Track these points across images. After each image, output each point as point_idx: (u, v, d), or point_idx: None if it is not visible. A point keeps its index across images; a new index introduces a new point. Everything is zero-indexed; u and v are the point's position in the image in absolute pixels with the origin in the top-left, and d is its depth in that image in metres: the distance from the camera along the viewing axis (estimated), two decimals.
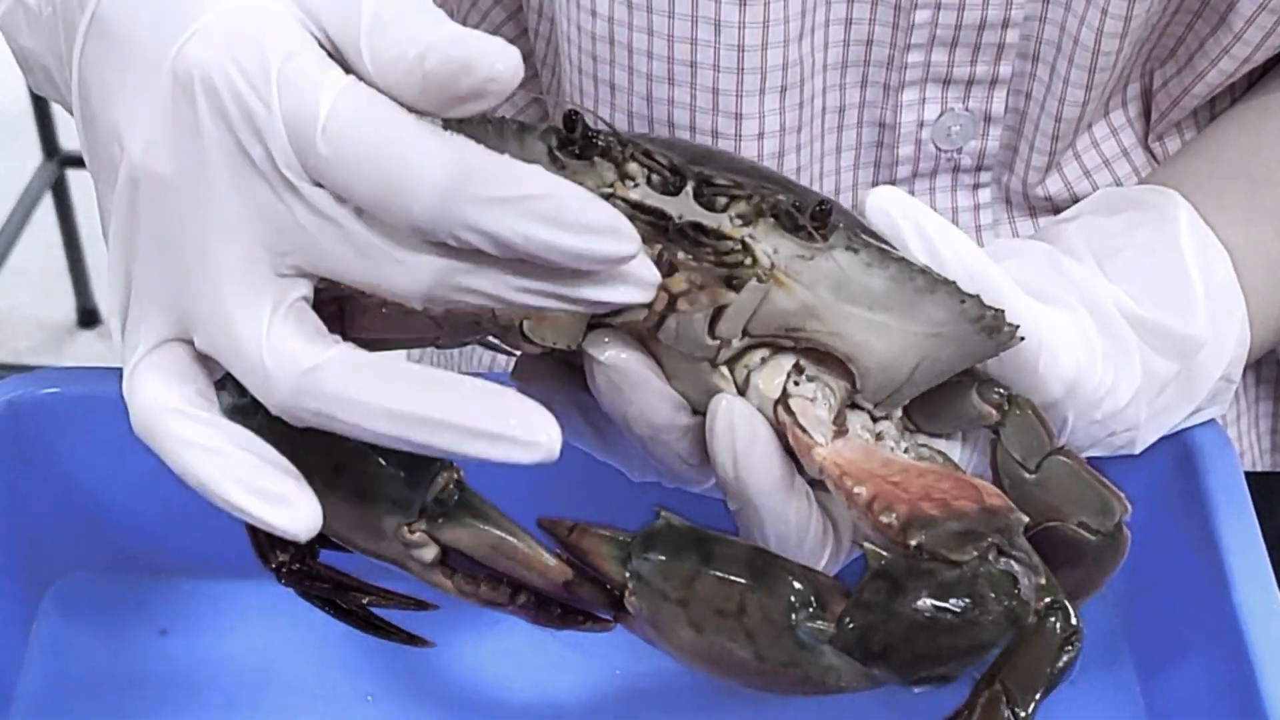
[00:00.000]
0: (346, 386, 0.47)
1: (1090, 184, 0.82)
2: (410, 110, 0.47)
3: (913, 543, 0.52)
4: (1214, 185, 0.74)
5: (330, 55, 0.49)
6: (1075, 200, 0.80)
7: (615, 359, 0.56)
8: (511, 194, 0.47)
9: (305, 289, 0.49)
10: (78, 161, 2.55)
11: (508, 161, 0.47)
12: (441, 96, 0.47)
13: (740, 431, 0.55)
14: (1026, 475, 0.61)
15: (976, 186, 0.81)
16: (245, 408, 0.50)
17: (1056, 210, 0.82)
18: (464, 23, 0.82)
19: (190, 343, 0.50)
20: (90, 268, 2.61)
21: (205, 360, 0.51)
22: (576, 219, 0.47)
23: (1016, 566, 0.52)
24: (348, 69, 0.49)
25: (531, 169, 0.47)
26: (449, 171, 0.46)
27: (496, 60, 0.47)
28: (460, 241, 0.47)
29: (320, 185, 0.48)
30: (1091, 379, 0.64)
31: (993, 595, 0.51)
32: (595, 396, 0.57)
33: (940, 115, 0.78)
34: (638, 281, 0.49)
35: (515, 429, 0.47)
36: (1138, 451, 0.68)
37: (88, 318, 2.65)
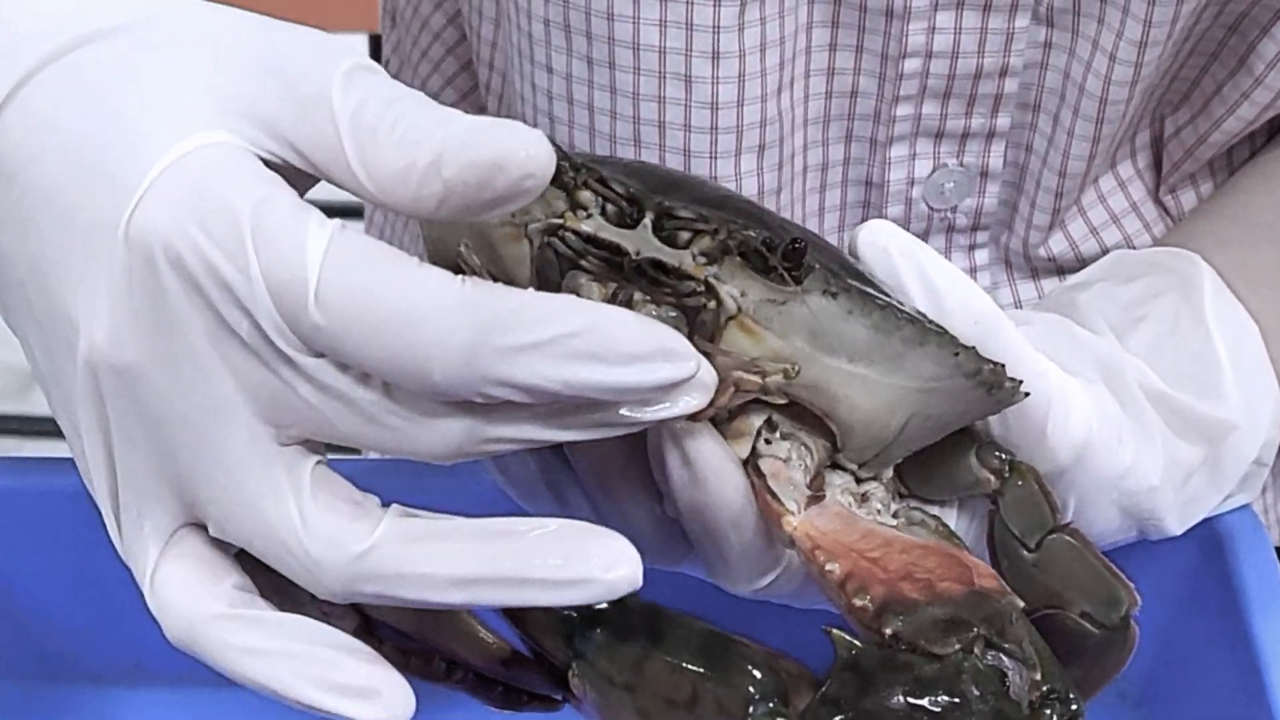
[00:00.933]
0: (405, 563, 0.41)
1: (1097, 242, 0.73)
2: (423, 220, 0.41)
3: (888, 630, 0.44)
4: (1238, 249, 0.66)
5: (309, 174, 0.41)
6: (1081, 261, 0.71)
7: None
8: (543, 337, 0.39)
9: (319, 448, 0.43)
10: None
11: (532, 297, 0.40)
12: (470, 206, 0.40)
13: (671, 452, 0.48)
14: (1025, 553, 0.52)
15: (973, 247, 0.72)
16: None
17: (1060, 272, 0.73)
18: (415, 73, 0.77)
19: (203, 527, 0.43)
20: None
21: (222, 543, 0.44)
22: (622, 350, 0.40)
23: (1006, 661, 0.45)
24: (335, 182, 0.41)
25: (562, 300, 0.40)
26: (468, 325, 0.39)
27: (528, 151, 0.40)
28: (489, 399, 0.40)
29: (320, 355, 0.40)
30: (1107, 449, 0.55)
31: (977, 694, 0.43)
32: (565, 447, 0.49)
33: (932, 172, 0.69)
34: (697, 388, 0.43)
35: (596, 569, 0.42)
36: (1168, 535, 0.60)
37: None
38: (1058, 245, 0.72)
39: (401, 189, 0.41)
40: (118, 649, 0.69)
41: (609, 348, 0.40)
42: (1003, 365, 0.50)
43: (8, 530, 0.67)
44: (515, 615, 0.49)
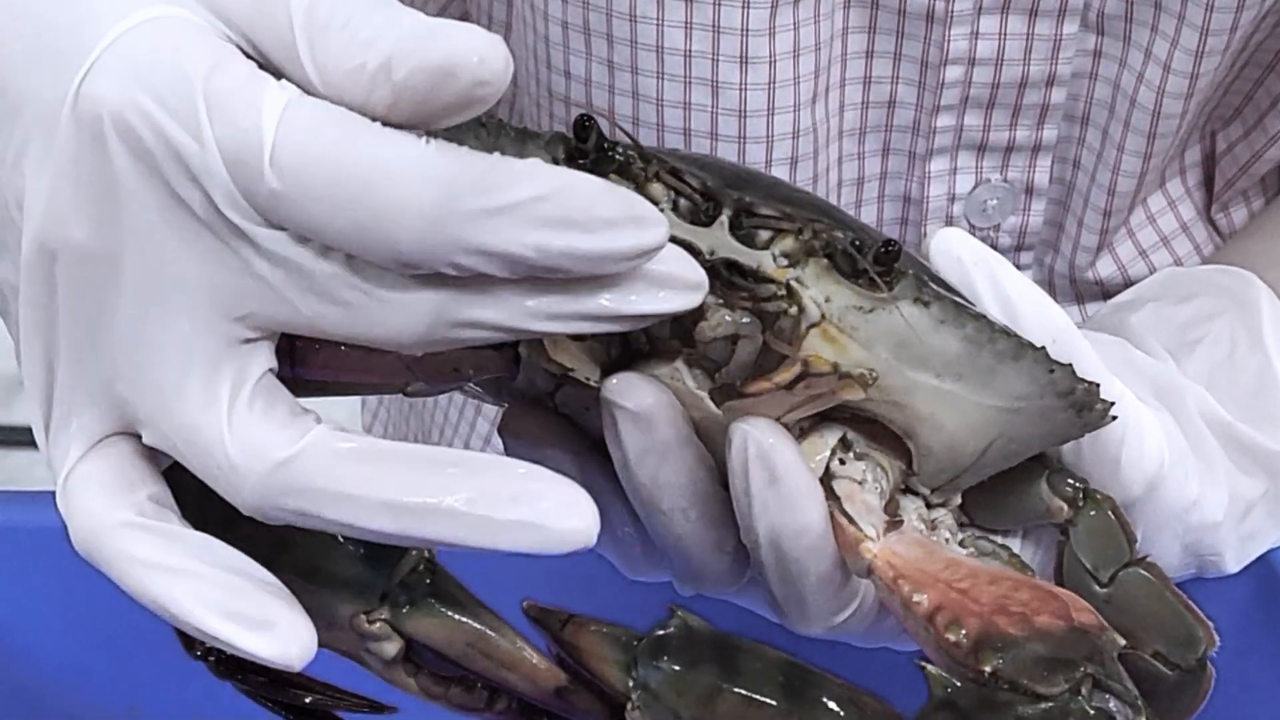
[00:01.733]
0: (331, 477, 0.38)
1: (1146, 265, 0.70)
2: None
3: (987, 668, 0.41)
4: None
5: (261, 68, 0.39)
6: (1129, 285, 0.68)
7: (649, 409, 0.44)
8: (512, 200, 0.36)
9: (267, 356, 0.39)
10: None
11: (498, 160, 0.37)
12: (420, 111, 0.37)
13: (756, 466, 0.44)
14: (1097, 588, 0.49)
15: (1016, 269, 0.70)
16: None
17: (1107, 297, 0.70)
18: None
19: (135, 436, 0.40)
20: None
21: (155, 456, 0.40)
22: (593, 214, 0.37)
23: (1113, 704, 0.41)
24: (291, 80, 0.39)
25: (528, 164, 0.37)
26: (435, 187, 0.36)
27: (483, 56, 0.37)
28: (460, 269, 0.37)
29: (277, 227, 0.37)
30: (1176, 482, 0.52)
31: None
32: (615, 456, 0.45)
33: (974, 187, 0.66)
34: (680, 283, 0.39)
35: (546, 514, 0.38)
36: (1224, 573, 0.58)
37: None
38: (1105, 268, 0.70)
39: (352, 91, 0.38)
40: (111, 691, 0.65)
41: (581, 211, 0.38)
42: (1097, 385, 0.46)
43: None
44: (569, 643, 0.45)
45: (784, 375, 0.43)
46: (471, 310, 0.38)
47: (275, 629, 0.39)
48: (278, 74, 0.39)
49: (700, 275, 0.40)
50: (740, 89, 0.62)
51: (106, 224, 0.39)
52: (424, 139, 0.37)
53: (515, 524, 0.38)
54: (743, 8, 0.60)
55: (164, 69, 0.38)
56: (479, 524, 0.38)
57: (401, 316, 0.38)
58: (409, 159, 0.37)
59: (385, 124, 0.38)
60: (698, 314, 0.44)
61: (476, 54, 0.37)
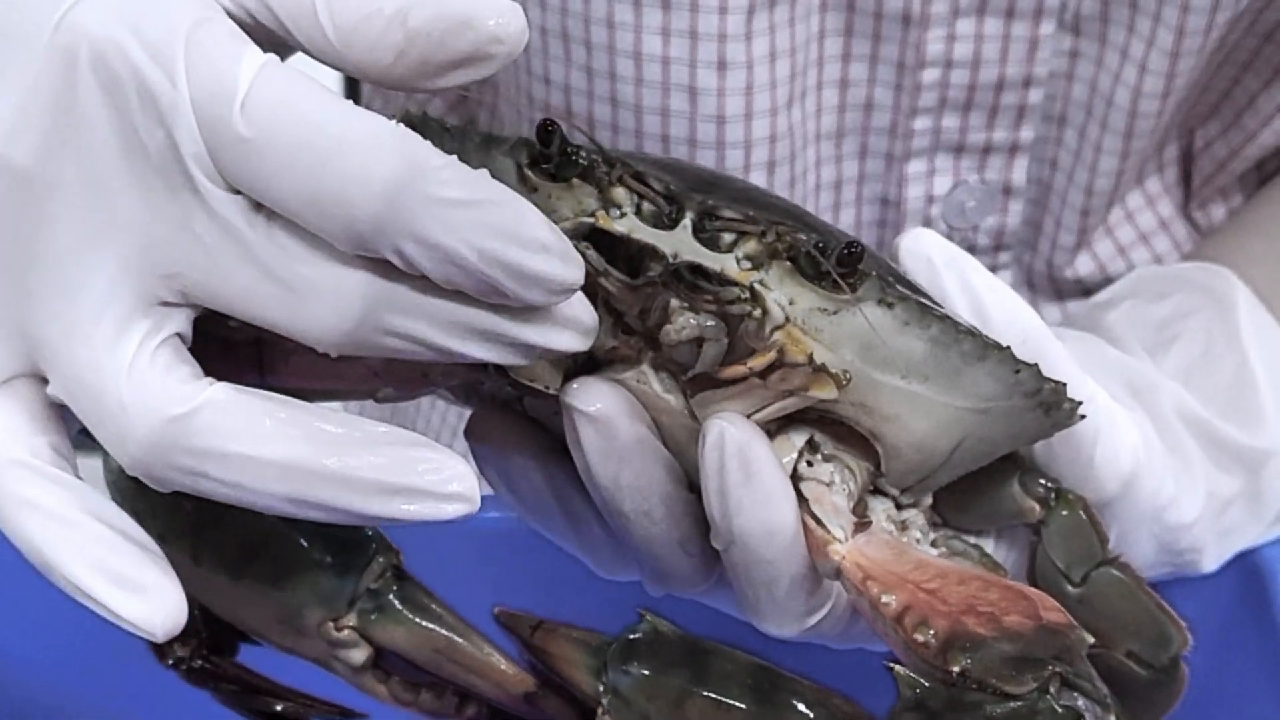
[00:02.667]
0: (224, 436, 0.37)
1: (1125, 263, 0.70)
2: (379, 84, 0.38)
3: (955, 668, 0.40)
4: (1273, 264, 0.63)
5: (270, 29, 0.39)
6: (1109, 283, 0.68)
7: (607, 412, 0.44)
8: (469, 197, 0.36)
9: (183, 323, 0.38)
10: None
11: (456, 161, 0.37)
12: (428, 62, 0.38)
13: (733, 462, 0.44)
14: (1070, 588, 0.49)
15: (995, 268, 0.69)
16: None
17: (1086, 294, 0.70)
18: None
19: (45, 382, 0.39)
20: None
21: (63, 411, 0.40)
22: (535, 235, 0.37)
23: (1082, 702, 0.41)
24: (289, 46, 0.38)
25: (480, 173, 0.37)
26: (401, 164, 0.36)
27: (502, 15, 0.37)
28: (403, 258, 0.37)
29: (227, 190, 0.37)
30: (1151, 481, 0.52)
31: None
32: (577, 460, 0.45)
33: (953, 188, 0.66)
34: (578, 326, 0.40)
35: (431, 481, 0.38)
36: (1202, 573, 0.57)
37: None
38: (1084, 266, 0.69)
39: (362, 36, 0.38)
40: (98, 697, 0.64)
41: (525, 229, 0.37)
42: (1064, 384, 0.46)
43: None
44: (538, 648, 0.44)
45: (760, 360, 0.43)
46: (399, 319, 0.38)
47: (145, 594, 0.38)
48: (289, 24, 0.39)
49: (594, 319, 0.41)
50: (718, 94, 0.62)
51: (55, 150, 0.38)
52: (392, 121, 0.37)
53: (401, 490, 0.38)
54: (719, 13, 0.60)
55: (152, 14, 0.37)
56: (370, 490, 0.38)
57: (331, 308, 0.38)
58: (381, 133, 0.37)
59: (387, 78, 0.38)
60: (663, 317, 0.44)
61: (496, 12, 0.37)
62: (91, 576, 0.38)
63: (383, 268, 0.37)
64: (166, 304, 0.38)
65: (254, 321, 0.38)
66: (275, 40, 0.39)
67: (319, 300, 0.37)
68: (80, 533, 0.38)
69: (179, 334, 0.38)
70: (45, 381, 0.39)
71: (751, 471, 0.43)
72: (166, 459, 0.37)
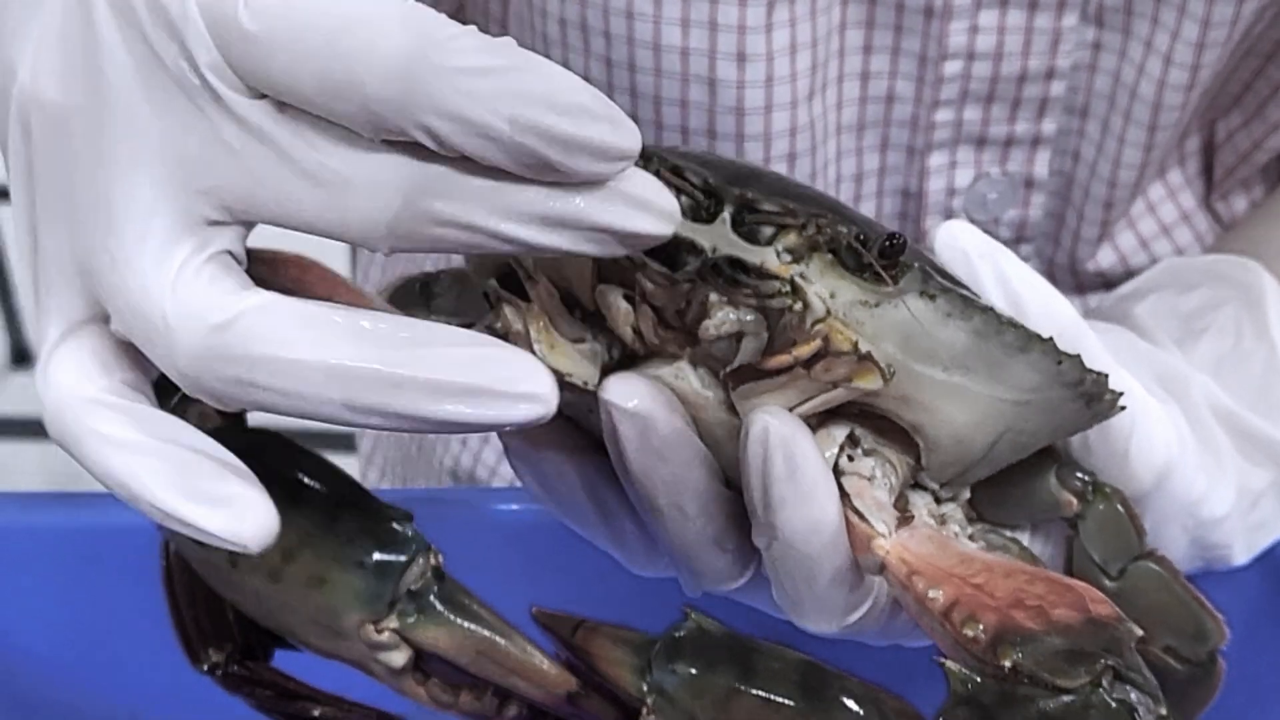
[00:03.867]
0: (271, 341, 0.36)
1: (1148, 255, 0.70)
2: None
3: (1006, 663, 0.40)
4: None
5: None
6: (1130, 275, 0.68)
7: (645, 408, 0.43)
8: (490, 64, 0.35)
9: (233, 240, 0.38)
10: (4, 194, 2.43)
11: (472, 29, 0.35)
12: None
13: (777, 456, 0.43)
14: (1107, 582, 0.48)
15: None
16: None
17: (1108, 287, 0.70)
18: None
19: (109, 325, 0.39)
20: (21, 303, 2.41)
21: (136, 350, 0.39)
22: (570, 98, 0.35)
23: (1134, 695, 0.40)
24: None
25: (503, 40, 0.35)
26: (412, 37, 0.35)
27: None
28: (432, 134, 0.35)
29: (250, 96, 0.36)
30: (1185, 474, 0.52)
31: None
32: (613, 455, 0.44)
33: (974, 181, 0.66)
34: (653, 206, 0.38)
35: (498, 380, 0.36)
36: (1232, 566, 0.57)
37: (20, 356, 2.44)
38: (1106, 259, 0.69)
39: None
40: (114, 698, 0.63)
41: (559, 93, 0.36)
42: (1105, 375, 0.45)
43: None
44: (580, 648, 0.44)
45: (804, 349, 0.42)
46: (441, 201, 0.36)
47: (232, 506, 0.37)
48: None
49: (674, 205, 0.39)
50: (738, 86, 0.61)
51: (81, 81, 0.38)
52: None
53: (466, 391, 0.36)
54: (739, 4, 0.60)
55: None
56: (426, 390, 0.36)
57: (369, 197, 0.36)
58: (387, 7, 0.35)
59: None
60: (701, 312, 0.43)
61: None
62: (176, 498, 0.37)
63: (419, 152, 0.36)
64: (213, 223, 0.37)
65: (297, 227, 0.37)
66: None
67: (356, 194, 0.36)
68: (159, 459, 0.37)
69: (229, 251, 0.38)
70: (109, 323, 0.39)
71: (795, 466, 0.42)
72: (214, 370, 0.37)
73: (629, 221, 0.38)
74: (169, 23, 0.36)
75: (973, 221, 0.67)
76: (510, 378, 0.37)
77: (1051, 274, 0.70)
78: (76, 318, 0.39)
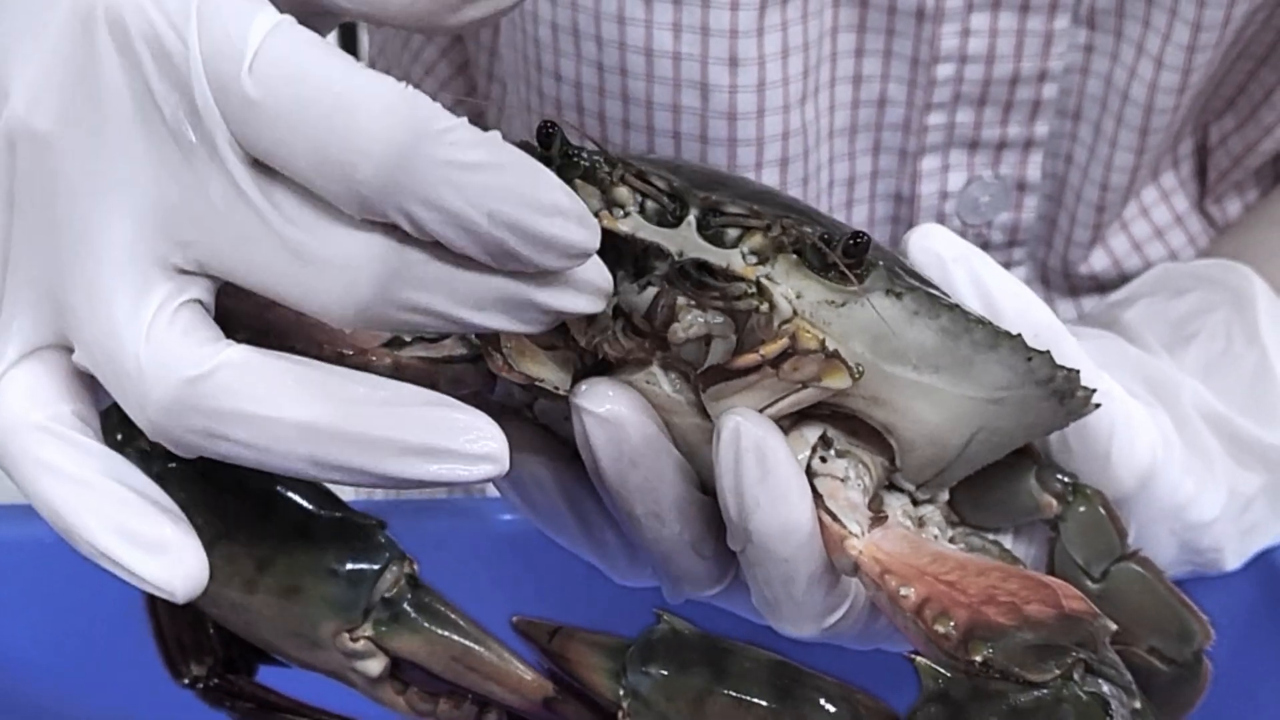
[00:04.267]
0: (243, 396, 0.37)
1: (1141, 258, 0.70)
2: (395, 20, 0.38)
3: (977, 658, 0.40)
4: None
5: None
6: (1124, 278, 0.68)
7: (617, 413, 0.43)
8: (478, 160, 0.36)
9: (204, 291, 0.38)
10: None
11: (465, 123, 0.36)
12: None
13: (749, 458, 0.43)
14: (1089, 584, 0.49)
15: (1009, 264, 0.68)
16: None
17: (1101, 289, 0.70)
18: (406, 77, 0.72)
19: (71, 352, 0.39)
20: None
21: (92, 383, 0.39)
22: (549, 198, 0.36)
23: (1107, 688, 0.40)
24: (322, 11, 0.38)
25: (492, 134, 0.36)
26: (408, 125, 0.35)
27: None
28: (413, 222, 0.36)
29: (243, 159, 0.37)
30: (1170, 478, 0.52)
31: None
32: (586, 461, 0.44)
33: (967, 184, 0.66)
34: (592, 288, 0.39)
35: (458, 440, 0.38)
36: (1224, 571, 0.57)
37: None
38: (1099, 262, 0.69)
39: None
40: (105, 701, 0.63)
41: (539, 192, 0.37)
42: (1076, 371, 0.45)
43: None
44: (556, 654, 0.44)
45: (772, 347, 0.43)
46: (413, 291, 0.37)
47: (166, 553, 0.38)
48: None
49: (610, 282, 0.40)
50: (730, 91, 0.61)
51: (75, 115, 0.38)
52: (403, 83, 0.37)
53: (426, 451, 0.38)
54: (731, 9, 0.60)
55: None
56: (391, 449, 0.37)
57: (343, 282, 0.37)
58: (388, 93, 0.36)
59: (409, 14, 0.38)
60: (670, 316, 0.43)
61: None
62: (110, 538, 0.37)
63: (395, 233, 0.37)
64: (184, 272, 0.38)
65: (267, 294, 0.38)
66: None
67: (331, 273, 0.37)
68: (98, 495, 0.38)
69: (200, 301, 0.38)
70: (71, 351, 0.39)
71: (768, 468, 0.43)
72: (184, 421, 0.37)
73: (571, 304, 0.39)
74: (173, 75, 0.37)
75: (965, 225, 0.67)
76: (470, 440, 0.38)
77: (1044, 277, 0.70)
78: (37, 343, 0.40)
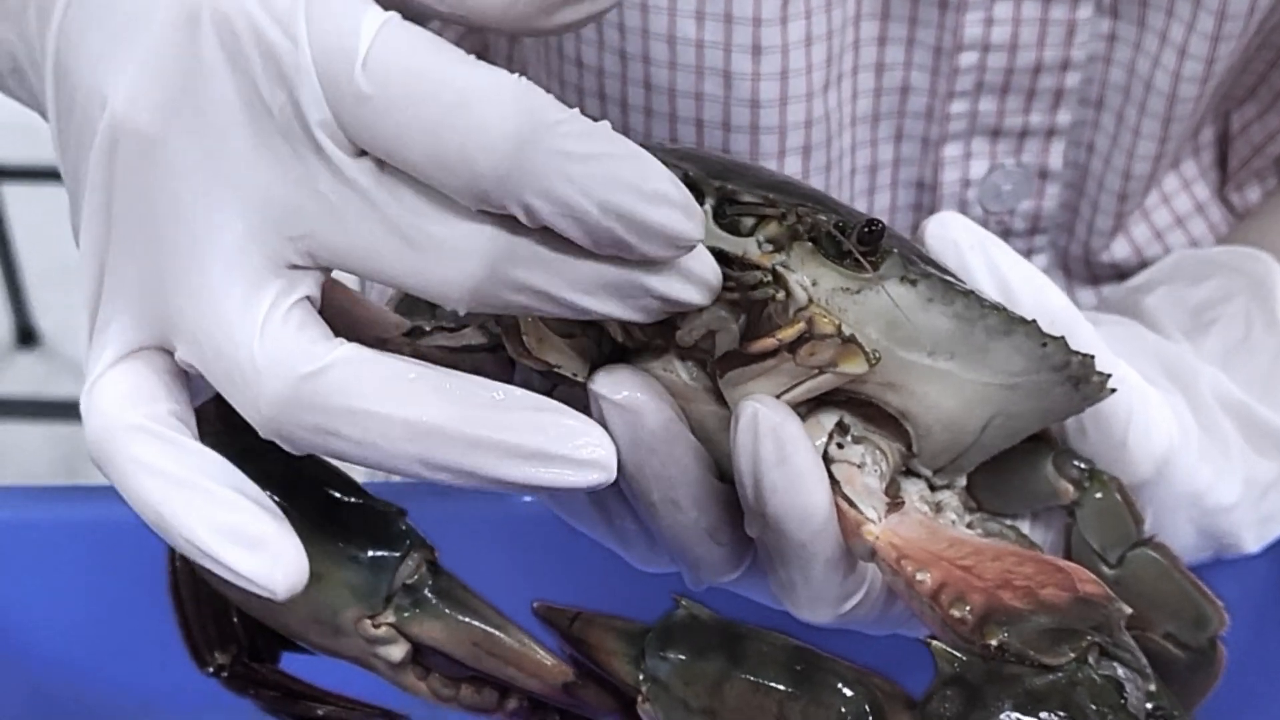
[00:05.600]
0: (357, 394, 0.37)
1: (1162, 246, 0.70)
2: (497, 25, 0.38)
3: (992, 642, 0.40)
4: None
5: None
6: (1144, 266, 0.68)
7: (634, 400, 0.43)
8: (591, 150, 0.36)
9: (314, 285, 0.39)
10: (12, 174, 2.44)
11: (577, 114, 0.37)
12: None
13: (766, 442, 0.43)
14: (1106, 569, 0.49)
15: (1030, 252, 0.69)
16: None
17: (1122, 278, 0.70)
18: None
19: (171, 355, 0.40)
20: (27, 285, 2.43)
21: (186, 380, 0.40)
22: (657, 188, 0.37)
23: (1121, 671, 0.41)
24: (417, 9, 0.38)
25: (601, 125, 0.37)
26: (524, 117, 0.36)
27: None
28: (528, 213, 0.36)
29: (352, 152, 0.37)
30: (1187, 463, 0.52)
31: (1093, 707, 0.39)
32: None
33: (989, 172, 0.66)
34: (701, 280, 0.40)
35: (566, 445, 0.38)
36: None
37: (26, 337, 2.46)
38: (1120, 250, 0.69)
39: None
40: (124, 687, 0.63)
41: (648, 182, 0.37)
42: (1091, 357, 0.46)
43: (2, 562, 0.61)
44: (577, 639, 0.44)
45: (788, 331, 0.43)
46: (524, 272, 0.38)
47: (265, 549, 0.38)
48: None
49: (718, 276, 0.41)
50: (753, 78, 0.62)
51: (180, 114, 0.38)
52: (515, 74, 0.37)
53: (535, 455, 0.38)
54: None
55: None
56: (499, 453, 0.38)
57: (457, 261, 0.38)
58: (503, 86, 0.36)
59: (506, 19, 0.38)
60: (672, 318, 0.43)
61: None
62: (210, 535, 0.38)
63: (507, 223, 0.37)
64: (296, 266, 0.38)
65: (382, 281, 0.38)
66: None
67: (444, 257, 0.37)
68: (197, 493, 0.38)
69: (309, 297, 0.39)
70: (170, 353, 0.40)
71: (785, 454, 0.43)
72: (298, 418, 0.37)
73: (680, 293, 0.40)
74: (281, 72, 0.37)
75: (987, 213, 0.67)
76: (578, 445, 0.38)
77: (1065, 265, 0.70)
78: (136, 344, 0.40)
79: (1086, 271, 0.70)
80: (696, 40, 0.61)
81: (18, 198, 2.43)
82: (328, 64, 0.37)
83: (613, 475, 0.38)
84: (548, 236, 0.37)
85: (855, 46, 0.63)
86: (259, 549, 0.38)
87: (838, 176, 0.65)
